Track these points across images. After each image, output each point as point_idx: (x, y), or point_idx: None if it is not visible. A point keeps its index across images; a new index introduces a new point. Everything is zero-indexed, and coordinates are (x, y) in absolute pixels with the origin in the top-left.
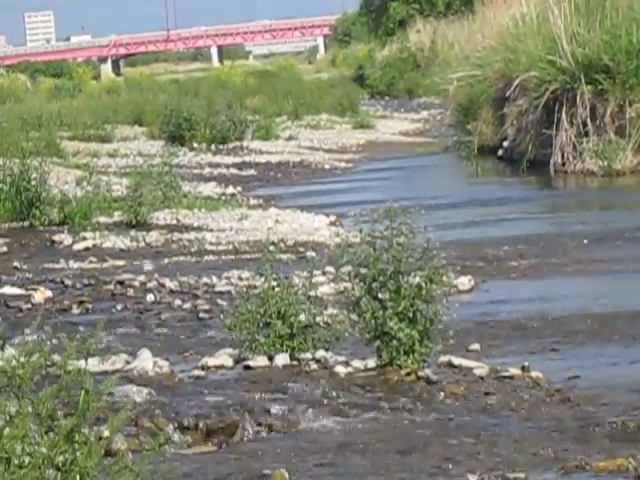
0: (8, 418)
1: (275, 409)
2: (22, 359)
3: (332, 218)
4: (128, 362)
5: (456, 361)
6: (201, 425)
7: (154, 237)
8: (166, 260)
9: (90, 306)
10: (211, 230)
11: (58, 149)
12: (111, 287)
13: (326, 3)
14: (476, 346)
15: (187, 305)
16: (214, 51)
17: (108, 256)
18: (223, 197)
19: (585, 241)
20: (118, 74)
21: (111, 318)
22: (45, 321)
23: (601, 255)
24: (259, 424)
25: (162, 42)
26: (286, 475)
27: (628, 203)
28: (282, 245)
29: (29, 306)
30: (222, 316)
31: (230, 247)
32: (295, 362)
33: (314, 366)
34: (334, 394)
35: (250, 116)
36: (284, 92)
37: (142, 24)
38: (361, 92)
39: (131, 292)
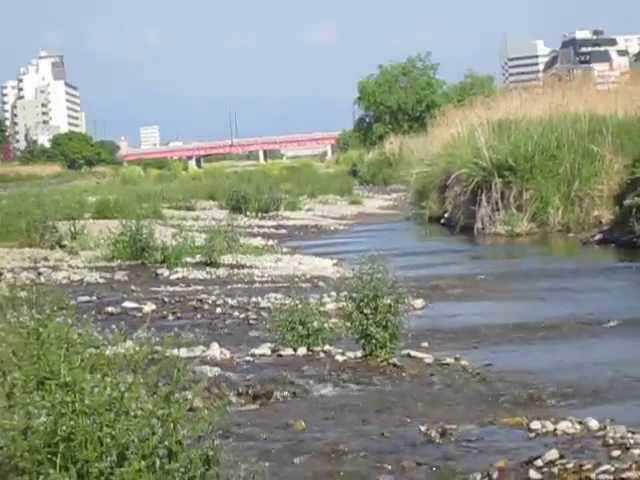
0: (127, 386)
1: (297, 382)
2: (136, 348)
3: (335, 261)
4: (204, 351)
5: (413, 353)
6: (250, 392)
7: (221, 272)
8: (229, 286)
9: (180, 315)
10: (258, 268)
11: (160, 214)
12: (193, 303)
13: (332, 123)
14: (425, 344)
15: (242, 315)
16: (261, 153)
17: (192, 283)
18: (265, 247)
19: (483, 277)
20: (199, 167)
21: (193, 323)
22: (151, 324)
23: (506, 287)
24: (286, 392)
25: (227, 147)
26: (303, 424)
27: (523, 254)
28: (303, 278)
29: (141, 314)
30: (264, 322)
31: (270, 279)
32: (310, 352)
33: (322, 355)
34: (334, 373)
35: (283, 195)
36: (305, 180)
37: (215, 135)
38: (354, 181)
39: (206, 306)
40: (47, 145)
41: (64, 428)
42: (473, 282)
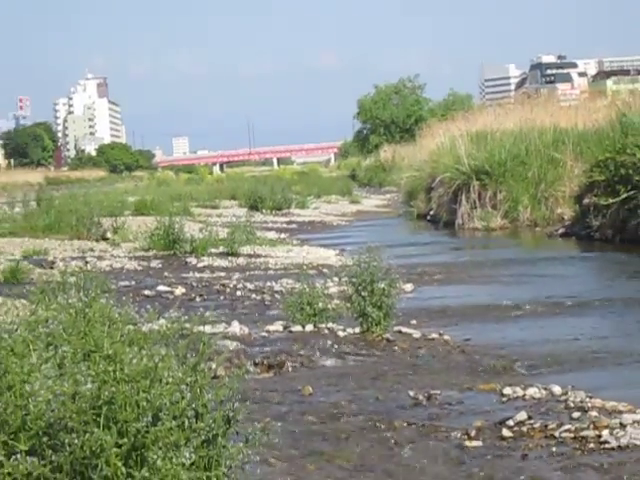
0: (160, 357)
1: (305, 354)
2: (168, 325)
3: (337, 251)
4: (226, 328)
5: (403, 329)
6: (265, 362)
7: (241, 260)
8: (247, 273)
9: (205, 297)
10: (272, 257)
11: (189, 212)
12: (217, 287)
13: (335, 134)
14: (414, 322)
15: (258, 297)
16: (275, 160)
17: (216, 270)
18: (278, 239)
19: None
20: (222, 172)
21: (217, 304)
22: (181, 305)
23: (483, 273)
24: (296, 362)
25: (246, 155)
26: (310, 389)
27: (497, 245)
28: (310, 265)
29: (172, 296)
30: (277, 303)
31: (282, 266)
32: (316, 329)
33: (326, 331)
34: (337, 346)
35: (294, 195)
36: (312, 183)
37: (236, 145)
38: (353, 183)
39: (228, 290)
40: (93, 153)
41: (106, 393)
42: (455, 269)
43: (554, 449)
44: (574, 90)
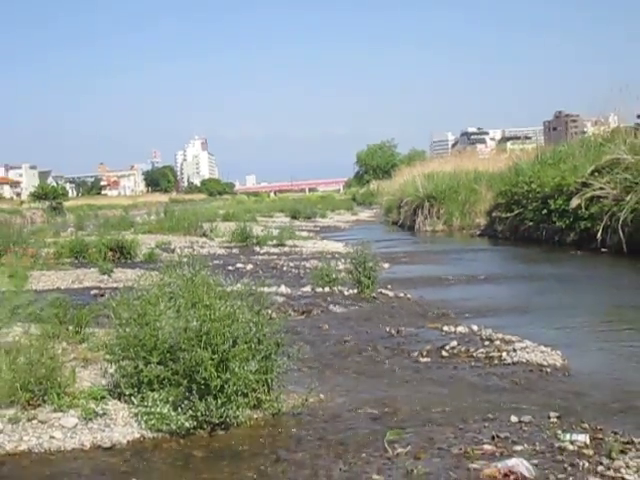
0: (237, 306)
1: (324, 305)
2: (242, 287)
3: (344, 244)
4: (277, 288)
5: (383, 291)
6: (300, 309)
7: (286, 248)
8: (290, 256)
9: (265, 271)
10: (304, 247)
11: (255, 219)
12: (272, 265)
13: (342, 174)
14: (389, 286)
15: (296, 271)
16: (307, 189)
17: (271, 255)
18: (308, 236)
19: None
20: (276, 196)
21: (272, 275)
22: (250, 275)
23: (430, 258)
24: (319, 310)
25: (289, 186)
26: (327, 326)
27: (439, 241)
28: (327, 252)
29: (245, 270)
30: (308, 275)
31: (310, 253)
32: (331, 290)
33: (337, 292)
34: (343, 301)
35: (318, 210)
36: (329, 203)
37: (283, 179)
38: (354, 203)
39: (278, 266)
40: (198, 184)
41: (205, 328)
42: (414, 255)
43: (473, 364)
44: (487, 148)
